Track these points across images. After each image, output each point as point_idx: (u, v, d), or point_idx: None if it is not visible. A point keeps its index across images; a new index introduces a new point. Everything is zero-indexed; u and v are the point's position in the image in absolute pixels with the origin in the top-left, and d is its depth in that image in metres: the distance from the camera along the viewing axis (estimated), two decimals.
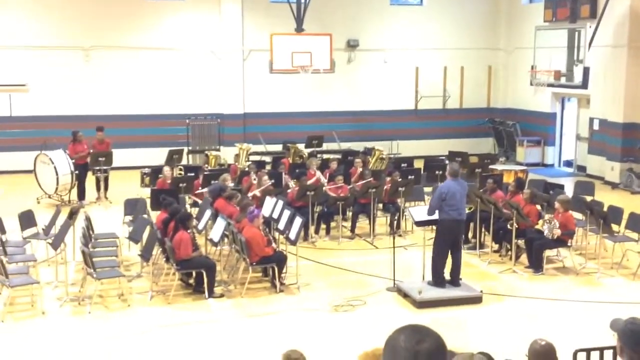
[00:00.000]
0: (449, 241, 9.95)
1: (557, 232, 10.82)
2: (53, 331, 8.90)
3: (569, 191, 14.27)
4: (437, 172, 14.93)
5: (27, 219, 11.54)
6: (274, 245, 10.56)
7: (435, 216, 9.96)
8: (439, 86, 22.82)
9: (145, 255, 10.23)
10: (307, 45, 17.98)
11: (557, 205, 11.17)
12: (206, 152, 18.03)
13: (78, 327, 9.02)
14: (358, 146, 19.40)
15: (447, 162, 16.62)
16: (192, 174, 14.32)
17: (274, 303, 9.86)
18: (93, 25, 19.85)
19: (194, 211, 12.57)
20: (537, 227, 11.36)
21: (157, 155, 18.10)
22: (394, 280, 10.28)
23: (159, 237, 10.31)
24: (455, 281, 10.09)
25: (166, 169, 13.89)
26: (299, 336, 8.76)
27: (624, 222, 11.79)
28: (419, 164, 16.45)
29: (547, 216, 11.58)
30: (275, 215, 11.30)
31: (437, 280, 10.00)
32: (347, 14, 21.57)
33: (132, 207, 12.44)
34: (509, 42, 22.80)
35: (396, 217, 13.34)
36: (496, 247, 12.16)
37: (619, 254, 11.47)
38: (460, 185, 9.91)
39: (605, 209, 11.90)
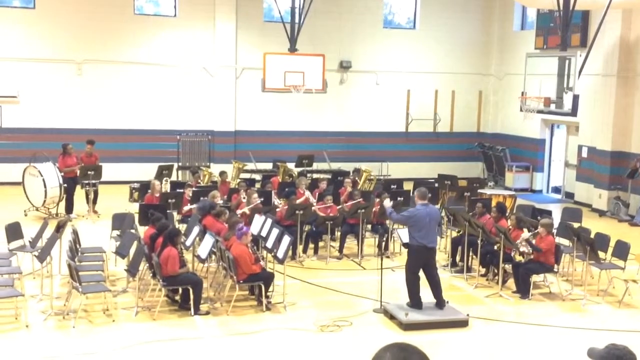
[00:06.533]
0: (418, 265, 9.98)
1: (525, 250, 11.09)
2: (36, 345, 8.82)
3: (556, 217, 14.33)
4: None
5: (13, 231, 11.47)
6: (261, 263, 10.54)
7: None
8: (430, 109, 22.96)
9: (132, 270, 10.18)
10: (299, 65, 18.08)
11: (540, 228, 11.23)
12: (200, 167, 17.95)
13: (62, 342, 8.94)
14: (348, 167, 19.46)
15: (436, 184, 16.75)
16: (181, 190, 14.28)
17: (260, 322, 9.82)
18: (86, 39, 19.89)
19: (183, 227, 12.54)
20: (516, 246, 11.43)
21: (146, 171, 18.08)
22: (381, 301, 10.27)
23: (146, 253, 10.27)
24: (439, 303, 10.08)
25: (155, 182, 13.96)
26: (285, 356, 8.73)
27: (610, 250, 11.86)
28: (408, 186, 16.49)
29: (528, 235, 11.62)
30: (263, 234, 11.29)
31: (414, 301, 10.01)
32: (340, 35, 21.73)
33: (120, 221, 12.40)
34: (500, 68, 23.02)
35: (384, 239, 13.35)
36: (483, 271, 12.19)
37: (605, 281, 11.52)
38: (429, 210, 9.92)
39: (592, 236, 11.95)
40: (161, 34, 20.58)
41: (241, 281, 10.14)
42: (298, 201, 13.36)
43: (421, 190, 10.21)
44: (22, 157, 17.53)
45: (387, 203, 10.66)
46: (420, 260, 9.95)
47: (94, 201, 16.02)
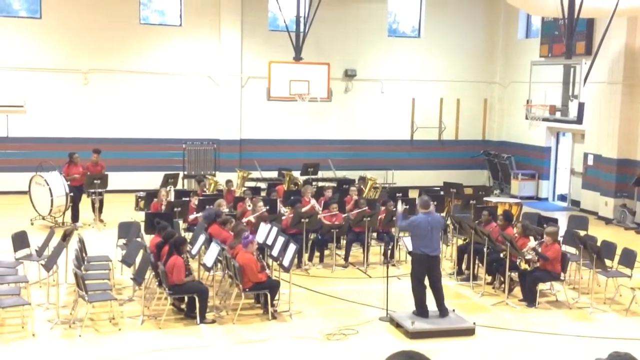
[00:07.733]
0: (422, 273, 9.97)
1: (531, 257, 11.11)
2: (43, 354, 8.83)
3: (562, 225, 14.30)
4: (432, 202, 14.94)
5: (20, 240, 11.49)
6: (267, 271, 10.54)
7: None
8: (435, 117, 22.98)
9: (138, 279, 10.19)
10: (305, 73, 18.13)
11: (545, 237, 11.21)
12: (206, 176, 17.99)
13: (68, 350, 8.95)
14: (353, 175, 19.47)
15: (441, 192, 16.73)
16: (187, 199, 14.31)
17: (265, 330, 9.81)
18: (92, 49, 19.98)
19: (188, 236, 12.56)
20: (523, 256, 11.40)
21: (152, 179, 18.11)
22: (387, 310, 10.25)
23: (152, 261, 10.29)
24: (441, 312, 10.06)
25: (162, 191, 14.11)
26: None
27: (617, 258, 11.83)
28: (413, 194, 16.46)
29: (535, 243, 11.62)
30: (269, 242, 11.29)
31: (420, 310, 10.00)
32: (345, 44, 21.78)
33: (126, 230, 12.41)
34: (505, 76, 23.02)
35: (390, 247, 13.33)
36: (489, 279, 12.16)
37: (611, 289, 11.48)
38: (431, 218, 9.90)
39: (598, 244, 11.92)
40: (167, 44, 20.66)
41: (247, 289, 10.14)
42: (303, 209, 13.36)
43: (423, 199, 10.22)
44: (28, 167, 17.58)
45: (400, 207, 10.65)
46: (422, 269, 9.94)
47: (100, 210, 16.07)
